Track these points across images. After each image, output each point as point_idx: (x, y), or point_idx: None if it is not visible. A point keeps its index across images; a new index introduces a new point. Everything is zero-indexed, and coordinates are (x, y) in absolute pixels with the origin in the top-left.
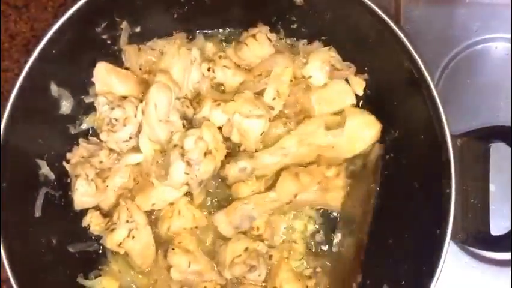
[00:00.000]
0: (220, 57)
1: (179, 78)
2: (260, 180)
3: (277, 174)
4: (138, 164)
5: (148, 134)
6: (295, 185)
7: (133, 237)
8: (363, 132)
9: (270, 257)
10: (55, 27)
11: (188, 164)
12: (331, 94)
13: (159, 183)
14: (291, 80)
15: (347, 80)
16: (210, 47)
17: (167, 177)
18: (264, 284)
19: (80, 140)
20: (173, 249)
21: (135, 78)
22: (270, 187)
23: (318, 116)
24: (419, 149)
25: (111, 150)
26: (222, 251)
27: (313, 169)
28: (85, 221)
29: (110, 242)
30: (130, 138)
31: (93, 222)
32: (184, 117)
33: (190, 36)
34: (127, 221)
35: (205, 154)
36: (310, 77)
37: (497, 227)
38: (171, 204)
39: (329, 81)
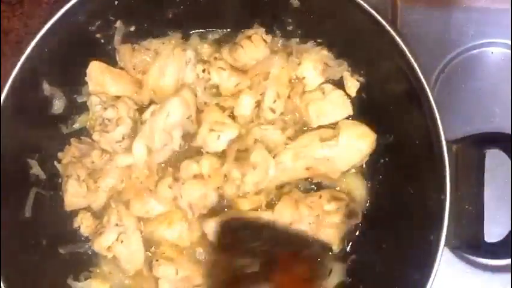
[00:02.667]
0: (215, 58)
1: (173, 80)
2: (259, 193)
3: (279, 192)
4: (129, 166)
5: (145, 136)
6: (293, 214)
7: (122, 242)
8: (357, 143)
9: None
10: (47, 25)
11: (176, 180)
12: (329, 106)
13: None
14: (290, 81)
15: (341, 78)
16: (205, 48)
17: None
18: None
19: (72, 140)
20: (157, 260)
21: (129, 78)
22: (270, 204)
23: (313, 131)
24: (414, 154)
25: (103, 150)
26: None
27: (315, 201)
28: (76, 222)
29: (99, 245)
30: (123, 138)
31: (84, 224)
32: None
33: (185, 37)
34: (116, 225)
35: (195, 176)
36: (304, 78)
37: (491, 233)
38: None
39: (326, 93)
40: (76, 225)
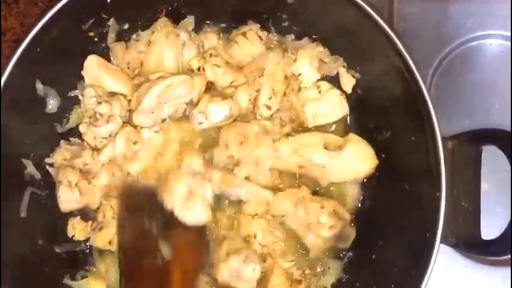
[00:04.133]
0: (211, 55)
1: (173, 65)
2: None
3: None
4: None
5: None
6: (288, 210)
7: None
8: (358, 163)
9: (264, 260)
10: (40, 24)
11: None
12: (325, 106)
13: None
14: (286, 78)
15: (337, 74)
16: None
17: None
18: None
19: (62, 142)
20: None
21: (126, 76)
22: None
23: (320, 134)
24: (410, 151)
25: (94, 149)
26: (215, 251)
27: (315, 209)
28: (69, 231)
29: (100, 240)
30: (109, 136)
31: (76, 230)
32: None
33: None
34: (113, 217)
35: None
36: (299, 74)
37: (489, 227)
38: None
39: (323, 92)
40: (69, 234)
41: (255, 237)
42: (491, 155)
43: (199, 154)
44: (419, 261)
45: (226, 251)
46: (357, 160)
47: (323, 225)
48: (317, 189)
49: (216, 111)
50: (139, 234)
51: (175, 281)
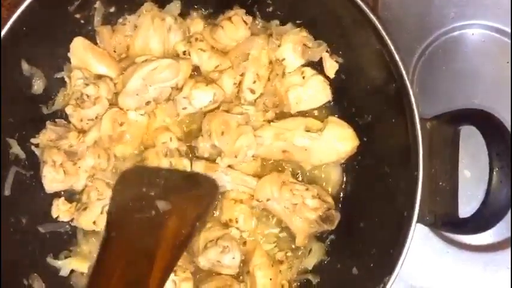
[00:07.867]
0: (196, 39)
1: (159, 49)
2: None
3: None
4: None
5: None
6: (273, 192)
7: None
8: (339, 143)
9: (244, 243)
10: (25, 4)
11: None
12: (308, 92)
13: None
14: (270, 63)
15: (320, 60)
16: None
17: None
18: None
19: (48, 123)
20: None
21: (112, 59)
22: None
23: (301, 118)
24: (391, 133)
25: (80, 131)
26: (195, 240)
27: (300, 190)
28: (54, 212)
29: (85, 221)
30: (96, 118)
31: (60, 211)
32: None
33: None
34: (98, 199)
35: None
36: (283, 59)
37: (470, 213)
38: None
39: (306, 78)
40: (54, 215)
41: (236, 221)
42: (473, 144)
43: (169, 131)
44: (397, 240)
45: (204, 241)
46: (337, 140)
47: (308, 207)
48: (300, 177)
49: (200, 97)
50: (133, 195)
51: (169, 228)
